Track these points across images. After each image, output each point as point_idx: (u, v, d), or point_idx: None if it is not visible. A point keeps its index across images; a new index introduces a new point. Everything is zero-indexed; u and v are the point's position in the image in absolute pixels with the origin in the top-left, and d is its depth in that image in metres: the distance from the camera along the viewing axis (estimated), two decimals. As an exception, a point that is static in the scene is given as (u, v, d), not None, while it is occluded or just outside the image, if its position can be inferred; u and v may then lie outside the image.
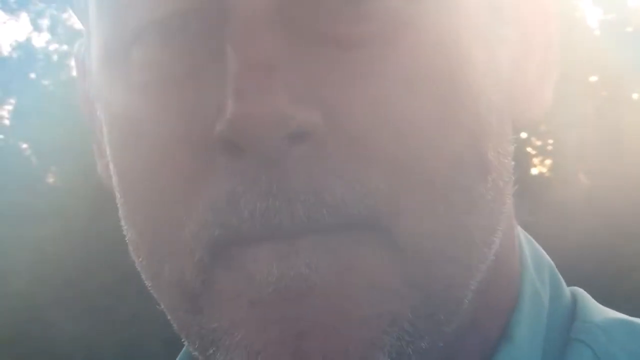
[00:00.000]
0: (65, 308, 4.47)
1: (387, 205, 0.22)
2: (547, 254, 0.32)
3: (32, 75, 5.46)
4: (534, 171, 4.81)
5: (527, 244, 0.31)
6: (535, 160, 4.86)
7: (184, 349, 0.30)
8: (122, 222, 0.27)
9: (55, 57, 5.41)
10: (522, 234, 0.31)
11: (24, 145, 5.35)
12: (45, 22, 5.29)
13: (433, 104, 0.23)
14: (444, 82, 0.23)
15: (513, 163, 0.27)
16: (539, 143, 4.83)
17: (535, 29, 0.28)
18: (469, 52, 0.24)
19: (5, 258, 4.51)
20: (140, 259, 0.26)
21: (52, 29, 5.38)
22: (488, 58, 0.26)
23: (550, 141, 4.84)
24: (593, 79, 4.58)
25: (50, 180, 5.28)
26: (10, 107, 5.55)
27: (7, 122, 5.56)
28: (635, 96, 4.73)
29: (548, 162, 4.94)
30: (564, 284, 0.31)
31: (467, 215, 0.24)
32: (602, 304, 0.31)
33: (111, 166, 0.26)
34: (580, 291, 0.32)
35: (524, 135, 4.31)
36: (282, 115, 0.21)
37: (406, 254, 0.23)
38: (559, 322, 0.29)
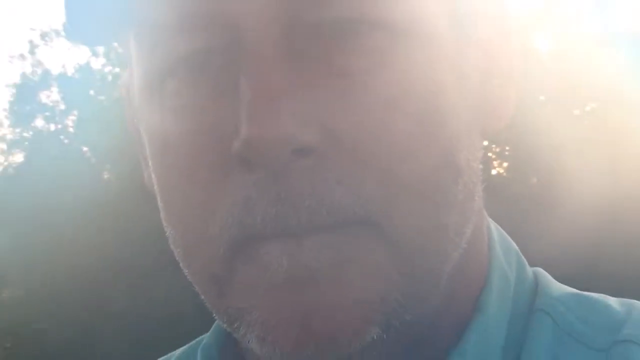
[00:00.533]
0: (122, 283, 5.07)
1: (379, 206, 0.25)
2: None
3: (91, 92, 6.28)
4: (494, 172, 5.51)
5: (496, 232, 0.34)
6: (495, 163, 5.51)
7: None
8: (163, 221, 0.30)
9: (109, 78, 6.24)
10: (492, 224, 0.34)
11: (85, 148, 6.19)
12: (101, 49, 5.90)
13: (413, 123, 0.26)
14: (421, 105, 0.26)
15: (481, 166, 0.30)
16: (498, 149, 5.62)
17: (497, 48, 0.31)
18: (441, 78, 0.27)
19: (71, 241, 5.18)
20: (177, 251, 0.29)
21: (107, 55, 6.16)
22: (457, 80, 0.28)
23: (508, 147, 5.60)
24: (542, 98, 5.33)
25: (106, 176, 6.17)
26: (73, 118, 6.39)
27: (71, 129, 6.43)
28: (576, 112, 5.45)
29: (505, 164, 5.61)
30: (527, 266, 0.35)
31: (445, 213, 0.27)
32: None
33: (153, 175, 0.30)
34: (542, 271, 0.35)
35: (485, 142, 5.06)
36: (286, 136, 0.24)
37: (396, 246, 0.26)
38: (523, 297, 0.32)
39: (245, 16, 0.25)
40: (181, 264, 0.30)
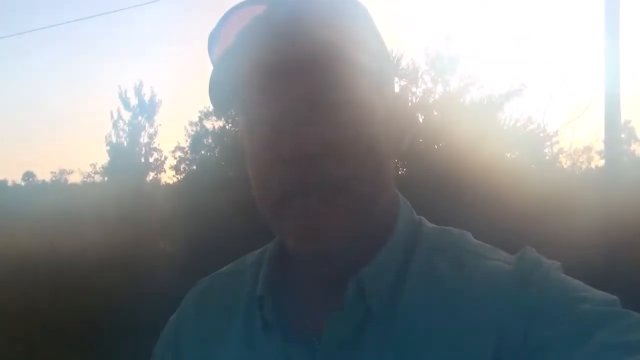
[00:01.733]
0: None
1: (347, 179, 0.55)
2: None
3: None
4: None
5: (402, 198, 0.67)
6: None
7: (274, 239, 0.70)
8: (251, 181, 0.60)
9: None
10: (400, 194, 0.67)
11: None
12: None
13: (363, 134, 0.57)
14: (366, 125, 0.57)
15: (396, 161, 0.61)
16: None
17: (391, 100, 0.63)
18: (370, 105, 0.58)
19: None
20: (256, 194, 0.60)
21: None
22: (378, 106, 0.59)
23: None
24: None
25: (230, 174, 7.50)
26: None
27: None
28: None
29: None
30: (415, 214, 0.67)
31: (377, 181, 0.59)
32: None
33: (248, 164, 0.61)
34: (422, 218, 0.68)
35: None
36: (306, 149, 0.54)
37: (354, 194, 0.56)
38: (414, 229, 0.65)
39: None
40: (257, 202, 0.60)
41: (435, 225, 0.67)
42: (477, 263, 0.60)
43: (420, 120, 6.54)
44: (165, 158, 12.97)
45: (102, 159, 13.57)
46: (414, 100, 6.73)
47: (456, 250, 0.62)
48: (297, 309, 0.64)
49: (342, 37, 0.57)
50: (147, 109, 13.14)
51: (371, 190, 0.58)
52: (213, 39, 0.61)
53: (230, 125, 8.19)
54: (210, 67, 0.60)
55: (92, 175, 13.63)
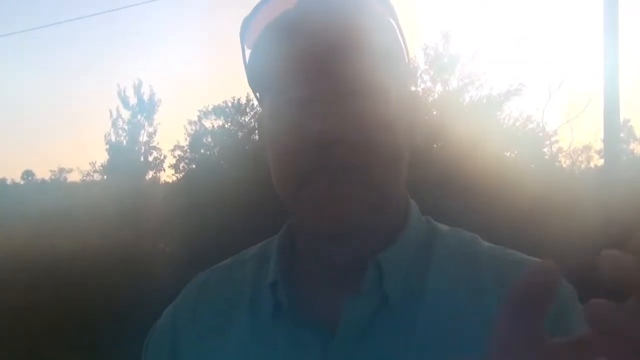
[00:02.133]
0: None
1: (366, 164, 0.59)
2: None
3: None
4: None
5: (411, 199, 0.70)
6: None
7: (285, 226, 0.72)
8: (271, 168, 0.64)
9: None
10: (409, 196, 0.69)
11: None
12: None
13: (382, 124, 0.60)
14: (384, 115, 0.60)
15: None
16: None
17: (409, 102, 0.67)
18: (390, 99, 0.61)
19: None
20: (275, 181, 0.63)
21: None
22: (395, 101, 0.62)
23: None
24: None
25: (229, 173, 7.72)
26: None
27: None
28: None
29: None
30: (421, 216, 0.70)
31: (395, 169, 0.62)
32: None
33: (269, 151, 0.64)
34: (430, 218, 0.71)
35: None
36: (332, 134, 0.58)
37: (373, 181, 0.59)
38: (426, 226, 0.69)
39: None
40: (276, 189, 0.63)
41: (446, 226, 0.70)
42: (494, 264, 0.63)
43: (420, 119, 6.54)
44: (165, 157, 12.92)
45: (101, 157, 13.52)
46: (413, 99, 6.72)
47: (474, 250, 0.66)
48: (308, 296, 0.65)
49: (371, 34, 0.61)
50: (147, 107, 13.10)
51: (389, 177, 0.62)
52: (247, 24, 0.66)
53: (229, 124, 8.21)
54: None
55: (91, 173, 13.57)
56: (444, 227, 0.70)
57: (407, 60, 0.69)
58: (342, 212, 0.58)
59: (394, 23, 0.66)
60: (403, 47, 0.66)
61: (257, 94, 0.69)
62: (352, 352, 0.59)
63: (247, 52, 0.66)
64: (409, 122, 0.65)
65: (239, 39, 0.67)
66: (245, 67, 0.66)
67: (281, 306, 0.63)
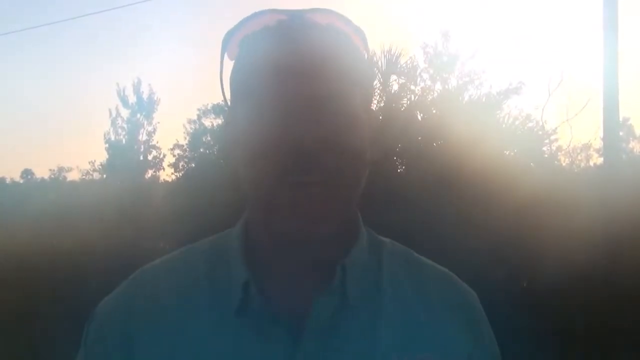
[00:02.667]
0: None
1: (339, 167, 0.64)
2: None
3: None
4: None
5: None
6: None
7: (241, 220, 0.78)
8: (241, 170, 0.68)
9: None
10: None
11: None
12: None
13: (352, 131, 0.66)
14: (354, 124, 0.67)
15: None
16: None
17: (370, 112, 0.74)
18: (360, 116, 0.68)
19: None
20: (249, 173, 0.67)
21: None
22: (364, 118, 0.69)
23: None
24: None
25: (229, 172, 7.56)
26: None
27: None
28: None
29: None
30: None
31: (360, 180, 0.68)
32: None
33: (241, 152, 0.67)
34: (368, 229, 0.78)
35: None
36: (309, 143, 0.61)
37: (339, 189, 0.65)
38: (371, 234, 0.78)
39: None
40: (248, 188, 0.69)
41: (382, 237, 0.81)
42: (430, 268, 0.78)
43: (419, 118, 6.55)
44: (164, 156, 12.94)
45: (101, 156, 13.48)
46: (412, 98, 6.73)
47: (412, 258, 0.78)
48: (275, 293, 0.68)
49: (347, 56, 0.68)
50: (146, 106, 13.10)
51: (355, 188, 0.68)
52: (231, 36, 0.70)
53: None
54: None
55: (91, 172, 13.58)
56: (381, 237, 0.79)
57: (370, 80, 0.75)
58: (317, 220, 0.63)
59: (367, 51, 0.73)
60: (371, 71, 0.74)
61: (229, 98, 0.71)
62: (320, 346, 0.65)
63: (227, 62, 0.71)
64: (370, 136, 0.71)
65: (220, 49, 0.71)
66: (220, 74, 0.70)
67: (248, 303, 0.66)
